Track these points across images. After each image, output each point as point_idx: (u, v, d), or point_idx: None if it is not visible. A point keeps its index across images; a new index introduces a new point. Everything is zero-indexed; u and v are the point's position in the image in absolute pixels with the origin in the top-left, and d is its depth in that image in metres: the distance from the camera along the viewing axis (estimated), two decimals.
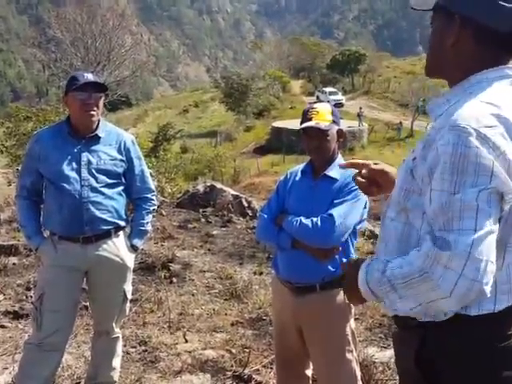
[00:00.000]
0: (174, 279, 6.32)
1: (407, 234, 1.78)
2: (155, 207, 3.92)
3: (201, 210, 10.36)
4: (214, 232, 8.78)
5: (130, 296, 3.80)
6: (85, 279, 3.71)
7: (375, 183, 2.12)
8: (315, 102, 3.40)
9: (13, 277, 6.15)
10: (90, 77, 3.53)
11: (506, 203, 1.56)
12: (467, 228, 1.51)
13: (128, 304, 3.82)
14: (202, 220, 9.62)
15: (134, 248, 3.75)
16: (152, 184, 3.89)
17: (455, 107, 1.65)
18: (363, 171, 2.12)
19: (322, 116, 3.03)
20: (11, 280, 6.03)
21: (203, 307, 5.60)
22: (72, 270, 3.54)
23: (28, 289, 5.72)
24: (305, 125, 3.04)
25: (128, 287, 3.75)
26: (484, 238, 1.50)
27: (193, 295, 5.92)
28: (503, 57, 1.74)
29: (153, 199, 3.85)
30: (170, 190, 13.66)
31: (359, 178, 2.13)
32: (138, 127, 53.55)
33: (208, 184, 11.66)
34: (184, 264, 6.86)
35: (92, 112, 3.49)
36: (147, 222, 3.81)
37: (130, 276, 3.78)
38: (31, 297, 5.35)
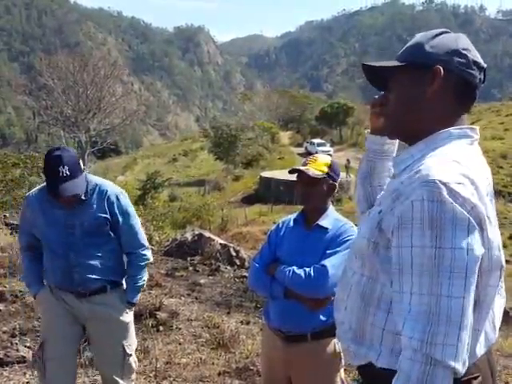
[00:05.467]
0: (161, 328, 6.25)
1: (370, 289, 1.78)
2: (148, 261, 3.74)
3: (188, 259, 10.32)
4: (202, 281, 8.72)
5: (130, 351, 3.65)
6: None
7: None
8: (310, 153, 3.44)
9: None
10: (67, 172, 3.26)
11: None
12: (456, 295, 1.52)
13: (132, 358, 3.67)
14: (190, 268, 9.57)
15: (130, 304, 3.68)
16: (143, 239, 3.72)
17: (420, 162, 1.67)
18: None
19: (319, 166, 3.06)
20: None
21: (190, 356, 5.52)
22: (70, 317, 3.55)
23: (13, 336, 5.62)
24: (295, 167, 3.10)
25: (127, 342, 3.64)
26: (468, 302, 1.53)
27: (180, 344, 5.85)
28: (465, 109, 1.79)
29: (145, 254, 3.69)
30: (157, 238, 13.64)
31: None
32: (126, 175, 53.67)
33: (196, 232, 11.59)
34: (171, 312, 6.79)
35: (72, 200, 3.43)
36: (141, 278, 3.70)
37: (129, 331, 3.67)
38: (16, 344, 5.27)
